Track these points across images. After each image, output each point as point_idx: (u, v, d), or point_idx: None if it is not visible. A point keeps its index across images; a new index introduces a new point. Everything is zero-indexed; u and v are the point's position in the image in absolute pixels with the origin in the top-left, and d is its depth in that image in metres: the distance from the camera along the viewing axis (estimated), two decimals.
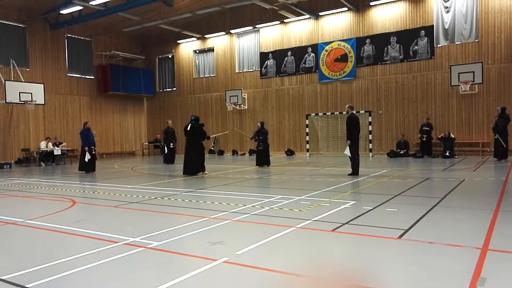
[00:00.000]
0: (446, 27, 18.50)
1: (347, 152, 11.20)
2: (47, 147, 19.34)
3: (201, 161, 12.68)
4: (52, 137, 20.63)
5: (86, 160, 14.44)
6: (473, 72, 17.14)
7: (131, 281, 3.66)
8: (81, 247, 4.73)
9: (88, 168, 14.54)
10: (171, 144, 17.75)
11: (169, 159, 17.65)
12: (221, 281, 3.61)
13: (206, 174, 12.67)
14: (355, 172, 11.19)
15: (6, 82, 18.55)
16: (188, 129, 12.59)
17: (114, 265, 4.10)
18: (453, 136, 17.19)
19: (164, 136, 18.31)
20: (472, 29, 17.96)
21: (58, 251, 4.63)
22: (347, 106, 11.71)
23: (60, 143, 20.30)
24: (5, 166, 17.73)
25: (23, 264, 4.17)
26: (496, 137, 15.07)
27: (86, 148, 14.46)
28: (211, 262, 4.05)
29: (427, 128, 17.55)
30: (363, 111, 19.35)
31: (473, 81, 17.18)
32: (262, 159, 15.17)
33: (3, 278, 3.76)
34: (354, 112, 11.71)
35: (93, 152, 14.71)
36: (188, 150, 12.63)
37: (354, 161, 11.23)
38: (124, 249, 4.60)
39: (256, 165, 15.16)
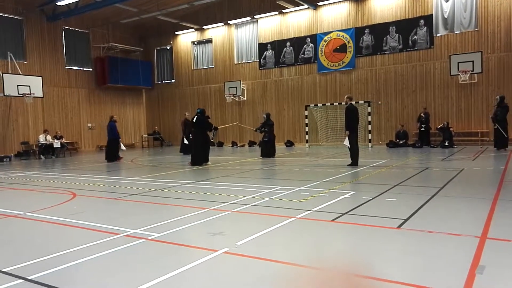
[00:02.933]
0: (446, 16, 18.39)
1: (346, 142, 11.25)
2: (46, 140, 19.32)
3: (205, 152, 13.37)
4: (51, 130, 20.61)
5: (124, 149, 16.38)
6: (473, 61, 17.08)
7: (132, 273, 3.69)
8: (82, 239, 4.75)
9: (116, 157, 15.97)
10: (190, 135, 18.04)
11: (188, 149, 17.86)
12: (222, 272, 3.63)
13: (209, 164, 13.22)
14: (354, 163, 11.21)
15: (4, 75, 18.47)
16: (194, 121, 13.38)
17: (115, 256, 4.12)
18: (451, 128, 17.23)
19: (183, 127, 18.53)
20: (472, 18, 17.86)
21: (59, 244, 4.65)
22: (345, 96, 11.71)
23: (61, 137, 20.29)
24: (4, 159, 17.73)
25: (24, 256, 4.19)
26: (495, 126, 15.06)
27: (120, 139, 16.23)
28: (212, 252, 4.07)
29: (424, 119, 17.58)
30: (362, 102, 19.32)
31: (473, 70, 17.13)
32: (267, 151, 15.19)
33: (4, 270, 3.78)
34: (353, 102, 11.71)
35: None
36: (194, 142, 13.44)
37: (353, 151, 11.25)
38: (125, 240, 4.63)
39: (261, 156, 15.19)
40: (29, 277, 3.57)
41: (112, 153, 15.99)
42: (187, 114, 19.19)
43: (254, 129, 17.34)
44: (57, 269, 3.78)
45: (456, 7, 18.11)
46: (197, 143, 13.26)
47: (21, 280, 3.52)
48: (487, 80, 17.55)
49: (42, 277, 3.59)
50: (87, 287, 3.41)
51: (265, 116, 15.84)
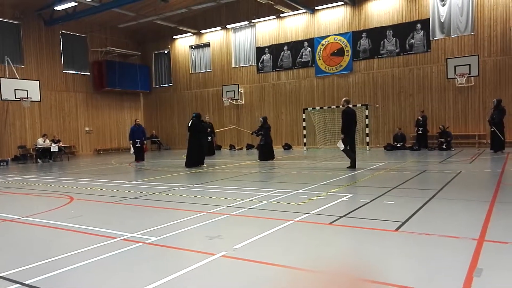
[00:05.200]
0: (442, 20, 18.49)
1: (340, 145, 11.24)
2: (44, 143, 19.26)
3: (201, 155, 13.81)
4: (49, 134, 20.57)
5: (131, 152, 16.82)
6: (469, 65, 17.17)
7: (130, 276, 3.67)
8: (79, 243, 4.73)
9: (138, 158, 16.77)
10: (209, 137, 18.60)
11: (208, 151, 18.06)
12: (220, 275, 3.63)
13: (204, 166, 13.56)
14: (352, 165, 11.20)
15: (1, 79, 18.44)
16: (189, 125, 13.75)
17: (113, 260, 4.11)
18: (448, 128, 17.30)
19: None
20: (468, 22, 17.96)
21: (56, 248, 4.64)
22: (343, 100, 11.69)
23: (59, 141, 20.25)
24: (1, 164, 17.67)
25: (21, 261, 4.17)
26: (492, 129, 15.11)
27: (131, 142, 16.71)
28: (209, 256, 4.06)
29: (421, 122, 17.64)
30: (360, 105, 19.37)
31: (469, 74, 17.22)
32: (264, 154, 15.20)
33: (1, 275, 3.76)
34: (351, 106, 11.70)
35: (138, 145, 16.71)
36: (189, 145, 13.81)
37: (349, 154, 11.23)
38: (122, 244, 4.61)
39: (259, 159, 15.21)
40: (26, 282, 3.55)
41: (136, 153, 16.82)
42: (207, 117, 20.41)
43: (251, 132, 17.48)
44: (54, 273, 3.76)
45: (452, 11, 18.22)
46: (192, 147, 13.65)
47: (18, 285, 3.50)
48: (484, 83, 17.64)
49: (39, 281, 3.57)
50: None
51: (261, 119, 15.92)
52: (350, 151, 11.26)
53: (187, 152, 13.87)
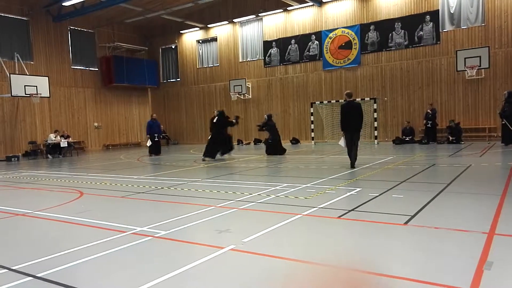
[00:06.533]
0: (452, 11, 18.23)
1: (341, 142, 10.45)
2: (56, 138, 19.43)
3: (217, 148, 14.67)
4: (59, 129, 20.75)
5: (148, 145, 17.81)
6: (480, 56, 16.93)
7: (139, 270, 3.71)
8: (90, 237, 4.78)
9: (153, 151, 17.60)
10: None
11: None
12: (228, 269, 3.65)
13: (210, 160, 14.01)
14: (351, 164, 10.28)
15: (11, 75, 18.61)
16: (215, 121, 14.84)
17: (123, 254, 4.15)
18: (459, 127, 17.03)
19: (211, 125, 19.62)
20: (479, 12, 17.68)
21: (67, 241, 4.69)
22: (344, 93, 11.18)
23: (68, 136, 20.44)
24: (13, 159, 17.90)
25: (33, 254, 4.23)
26: (503, 122, 14.92)
27: (148, 136, 17.72)
28: (218, 250, 4.08)
29: (430, 115, 17.47)
30: (368, 98, 19.24)
31: (480, 66, 16.98)
32: (272, 149, 15.24)
33: (14, 268, 3.83)
34: (352, 99, 10.77)
35: (156, 139, 17.70)
36: (211, 138, 14.76)
37: (349, 151, 10.36)
38: (132, 238, 4.65)
39: (266, 153, 15.42)
40: (38, 275, 3.61)
41: (151, 148, 17.65)
42: (215, 112, 20.47)
43: (257, 125, 17.78)
44: (66, 266, 3.82)
45: (462, 2, 17.94)
46: (214, 140, 14.55)
47: (30, 278, 3.56)
48: (495, 75, 17.39)
49: (51, 274, 3.62)
50: (95, 284, 3.44)
51: (266, 117, 16.05)
52: (348, 150, 10.36)
53: (208, 143, 14.63)
